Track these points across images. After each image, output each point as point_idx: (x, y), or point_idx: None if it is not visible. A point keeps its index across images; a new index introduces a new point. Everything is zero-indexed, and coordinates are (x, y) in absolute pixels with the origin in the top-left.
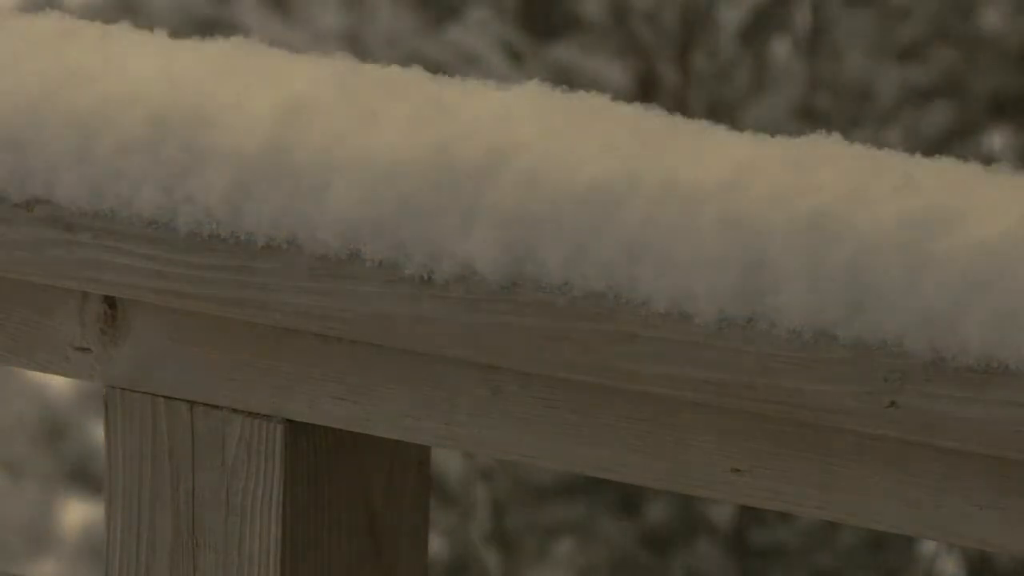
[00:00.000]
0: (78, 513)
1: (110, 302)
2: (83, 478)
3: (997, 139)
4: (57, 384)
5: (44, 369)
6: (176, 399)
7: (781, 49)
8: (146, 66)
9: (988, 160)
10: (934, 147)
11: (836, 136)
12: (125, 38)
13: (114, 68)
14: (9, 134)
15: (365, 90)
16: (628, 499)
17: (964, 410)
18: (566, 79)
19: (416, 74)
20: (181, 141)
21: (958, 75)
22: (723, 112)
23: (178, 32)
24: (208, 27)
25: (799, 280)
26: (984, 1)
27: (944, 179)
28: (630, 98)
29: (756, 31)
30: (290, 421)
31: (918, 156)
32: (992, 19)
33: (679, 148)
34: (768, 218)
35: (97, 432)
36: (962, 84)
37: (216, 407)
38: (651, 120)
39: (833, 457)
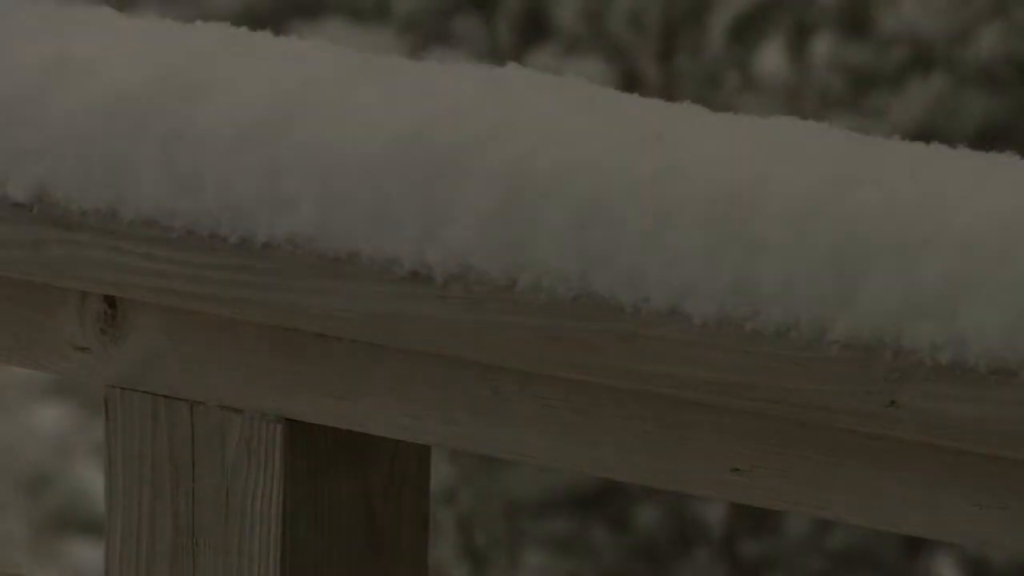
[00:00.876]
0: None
1: (110, 301)
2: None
3: None
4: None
5: (44, 368)
6: (176, 399)
7: (767, 57)
8: (136, 54)
9: None
10: None
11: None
12: (110, 23)
13: (107, 57)
14: (6, 130)
15: (353, 76)
16: (617, 511)
17: (964, 410)
18: None
19: (398, 59)
20: (175, 136)
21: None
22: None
23: None
24: None
25: (790, 271)
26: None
27: (936, 164)
28: None
29: (742, 37)
30: (290, 421)
31: (905, 140)
32: (984, 47)
33: (667, 130)
34: (761, 206)
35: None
36: (953, 110)
37: (216, 407)
38: (635, 102)
39: (833, 457)
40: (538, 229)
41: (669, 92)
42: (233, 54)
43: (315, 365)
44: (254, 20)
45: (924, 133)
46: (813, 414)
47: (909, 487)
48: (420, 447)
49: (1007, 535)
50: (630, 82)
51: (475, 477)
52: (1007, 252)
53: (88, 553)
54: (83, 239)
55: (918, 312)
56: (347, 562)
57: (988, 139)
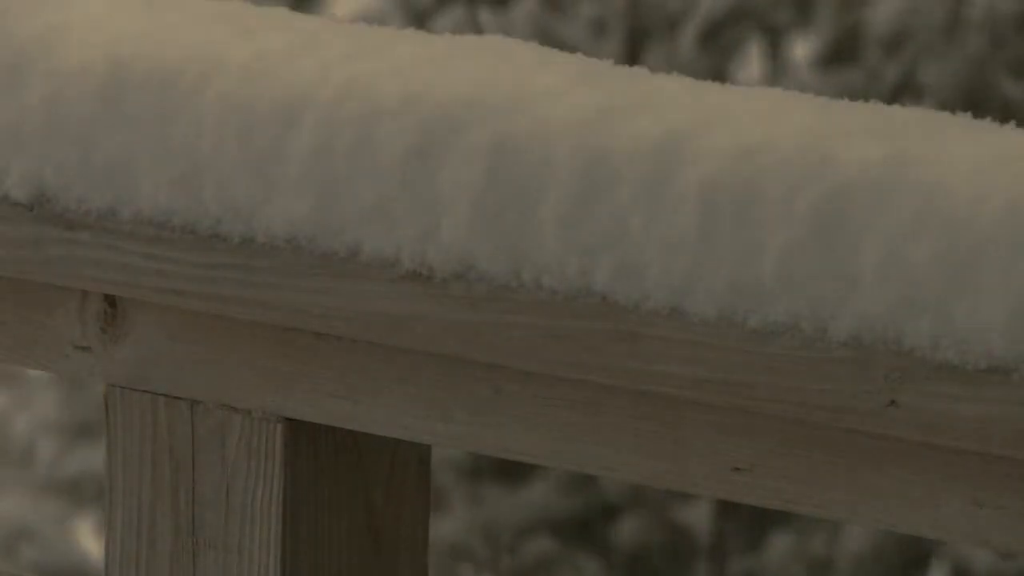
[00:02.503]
0: None
1: (110, 301)
2: None
3: None
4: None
5: (44, 368)
6: (176, 398)
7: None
8: (131, 40)
9: None
10: None
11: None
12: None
13: (103, 48)
14: (7, 129)
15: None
16: (599, 530)
17: (964, 409)
18: None
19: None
20: (172, 132)
21: None
22: None
23: None
24: None
25: (791, 268)
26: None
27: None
28: None
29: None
30: (290, 421)
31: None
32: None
33: (646, 101)
34: (762, 201)
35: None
36: None
37: (216, 406)
38: (610, 69)
39: (833, 456)
40: (531, 214)
41: None
42: (233, 33)
43: (315, 365)
44: None
45: None
46: (813, 414)
47: (909, 487)
48: (420, 447)
49: (1007, 535)
50: None
51: (453, 503)
52: (1003, 239)
53: None
54: (83, 239)
55: (914, 306)
56: (347, 561)
57: None
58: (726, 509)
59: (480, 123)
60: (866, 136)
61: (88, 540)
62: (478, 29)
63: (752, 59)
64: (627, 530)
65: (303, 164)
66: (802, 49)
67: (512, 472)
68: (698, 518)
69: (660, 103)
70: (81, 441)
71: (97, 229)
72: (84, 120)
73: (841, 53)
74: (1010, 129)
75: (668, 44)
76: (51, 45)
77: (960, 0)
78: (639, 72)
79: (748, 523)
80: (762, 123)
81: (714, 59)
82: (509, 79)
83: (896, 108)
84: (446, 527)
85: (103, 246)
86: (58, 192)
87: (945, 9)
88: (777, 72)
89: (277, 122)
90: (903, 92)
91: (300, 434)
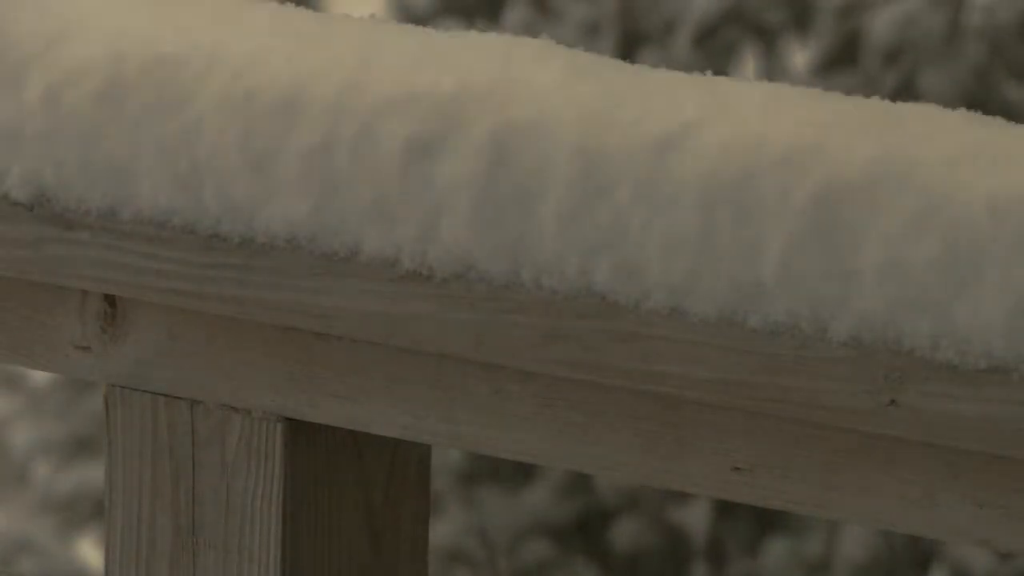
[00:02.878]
0: None
1: (110, 300)
2: None
3: None
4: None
5: (44, 368)
6: (176, 398)
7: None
8: (131, 40)
9: None
10: None
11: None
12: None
13: (103, 45)
14: (7, 129)
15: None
16: (596, 535)
17: (964, 409)
18: None
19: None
20: (172, 132)
21: None
22: None
23: None
24: None
25: (790, 268)
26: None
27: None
28: None
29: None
30: (290, 420)
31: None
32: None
33: (646, 97)
34: (763, 198)
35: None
36: None
37: (216, 406)
38: (609, 65)
39: (833, 456)
40: (532, 212)
41: None
42: (231, 30)
43: (315, 365)
44: None
45: None
46: (813, 413)
47: (909, 487)
48: (420, 447)
49: (1007, 535)
50: None
51: (449, 506)
52: (1003, 239)
53: None
54: (83, 239)
55: (914, 306)
56: (347, 562)
57: None
58: (724, 511)
59: (479, 122)
60: (867, 134)
61: (88, 551)
62: None
63: (748, 64)
64: (624, 533)
65: (303, 163)
66: (800, 55)
67: (509, 476)
68: (696, 521)
69: (660, 99)
70: (79, 456)
71: (97, 229)
72: (84, 120)
73: (839, 59)
74: (1012, 126)
75: (662, 48)
76: (51, 44)
77: (959, 7)
78: (639, 68)
79: (746, 525)
80: (762, 120)
81: (709, 63)
82: (508, 76)
83: (897, 104)
84: (442, 531)
85: (103, 246)
86: (58, 192)
87: (944, 16)
88: (774, 77)
89: (277, 121)
90: (902, 99)
91: (300, 434)
